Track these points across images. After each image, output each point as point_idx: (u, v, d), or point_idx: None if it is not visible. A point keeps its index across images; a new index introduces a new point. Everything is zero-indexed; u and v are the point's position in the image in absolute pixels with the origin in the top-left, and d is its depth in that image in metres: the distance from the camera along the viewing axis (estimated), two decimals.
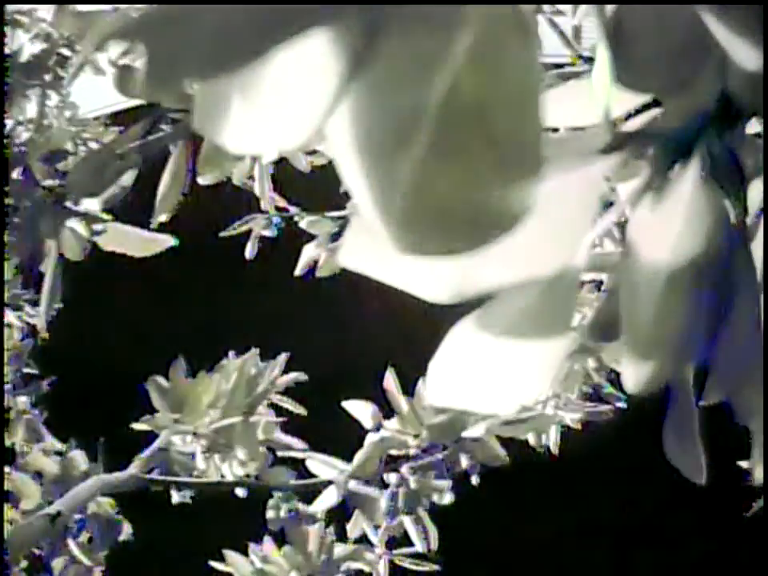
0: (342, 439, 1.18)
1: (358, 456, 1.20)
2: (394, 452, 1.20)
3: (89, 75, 1.23)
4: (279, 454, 1.27)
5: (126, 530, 1.29)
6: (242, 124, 0.24)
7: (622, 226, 0.31)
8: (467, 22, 0.23)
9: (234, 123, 0.24)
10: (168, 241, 0.99)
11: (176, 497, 1.26)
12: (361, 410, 1.22)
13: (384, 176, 0.24)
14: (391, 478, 1.20)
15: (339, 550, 1.24)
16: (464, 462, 1.19)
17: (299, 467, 1.25)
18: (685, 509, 2.68)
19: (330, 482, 1.20)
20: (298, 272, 1.39)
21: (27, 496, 1.24)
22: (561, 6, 1.17)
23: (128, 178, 0.94)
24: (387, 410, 1.21)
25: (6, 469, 1.27)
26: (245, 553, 1.25)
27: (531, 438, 1.26)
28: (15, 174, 0.96)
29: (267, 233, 1.44)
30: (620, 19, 0.29)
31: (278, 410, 1.29)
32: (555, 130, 0.33)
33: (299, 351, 1.32)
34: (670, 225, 0.30)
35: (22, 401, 1.53)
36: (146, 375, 1.25)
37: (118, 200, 0.95)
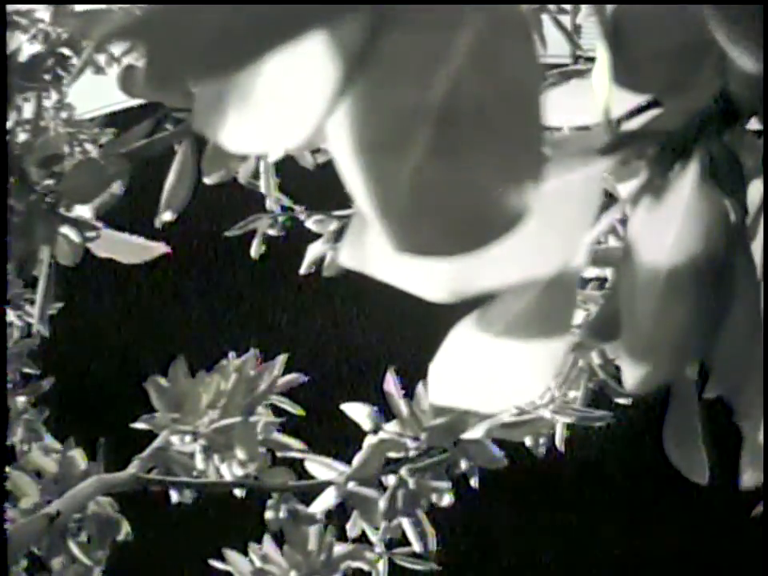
0: (342, 441, 1.18)
1: (358, 458, 1.20)
2: (393, 454, 1.20)
3: (84, 77, 1.23)
4: (278, 454, 1.27)
5: (126, 530, 1.29)
6: (242, 123, 0.24)
7: (625, 223, 0.31)
8: (467, 22, 0.23)
9: (234, 123, 0.24)
10: (160, 248, 0.99)
11: (175, 497, 1.26)
12: (360, 411, 1.22)
13: (384, 176, 0.24)
14: (390, 479, 1.20)
15: (338, 549, 1.24)
16: (463, 464, 1.19)
17: (298, 468, 1.25)
18: (686, 509, 2.68)
19: (329, 483, 1.20)
20: (303, 271, 1.39)
21: (26, 495, 1.24)
22: (562, 6, 1.17)
23: (120, 185, 0.94)
24: (387, 412, 1.21)
25: (6, 468, 1.27)
26: (244, 552, 1.25)
27: (529, 441, 1.26)
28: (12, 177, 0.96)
29: (272, 232, 1.44)
30: (620, 19, 0.29)
31: (278, 410, 1.29)
32: (556, 129, 0.33)
33: (299, 352, 1.32)
34: (669, 225, 0.30)
35: (22, 401, 1.54)
36: (145, 375, 1.25)
37: (110, 205, 0.95)
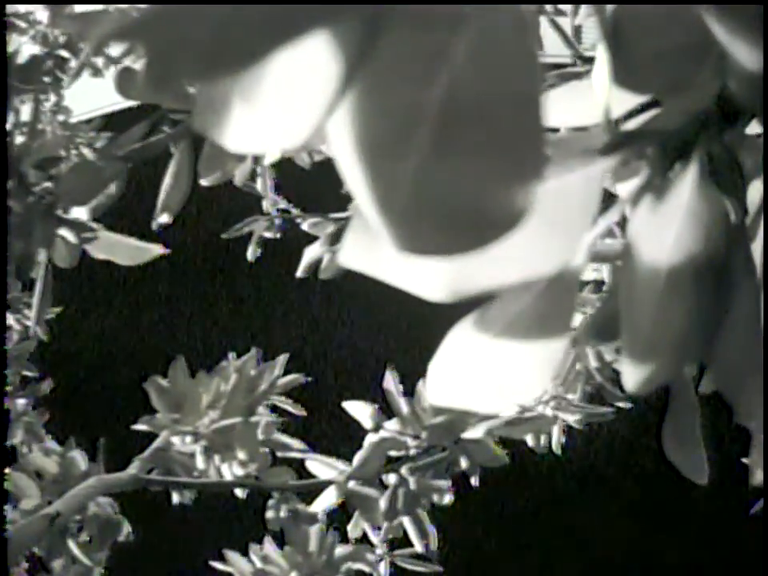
0: (342, 440, 1.18)
1: (358, 457, 1.20)
2: (393, 453, 1.20)
3: (82, 78, 1.23)
4: (279, 454, 1.27)
5: (126, 531, 1.29)
6: (242, 123, 0.24)
7: (622, 224, 0.31)
8: (467, 22, 0.23)
9: (234, 123, 0.24)
10: (157, 250, 0.99)
11: (176, 497, 1.26)
12: (360, 410, 1.22)
13: (384, 175, 0.24)
14: (391, 478, 1.20)
15: (339, 550, 1.24)
16: (464, 463, 1.19)
17: (299, 468, 1.25)
18: (685, 509, 2.68)
19: (329, 483, 1.20)
20: (299, 273, 1.39)
21: (27, 496, 1.24)
22: (561, 6, 1.17)
23: (116, 187, 0.94)
24: (387, 410, 1.21)
25: (6, 469, 1.27)
26: (245, 553, 1.25)
27: (530, 440, 1.26)
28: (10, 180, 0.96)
29: (269, 234, 1.44)
30: (620, 19, 0.29)
31: (278, 410, 1.29)
32: (555, 130, 0.33)
33: (299, 352, 1.32)
34: (670, 225, 0.30)
35: (22, 403, 1.54)
36: (146, 375, 1.25)
37: (106, 207, 0.95)
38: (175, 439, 1.24)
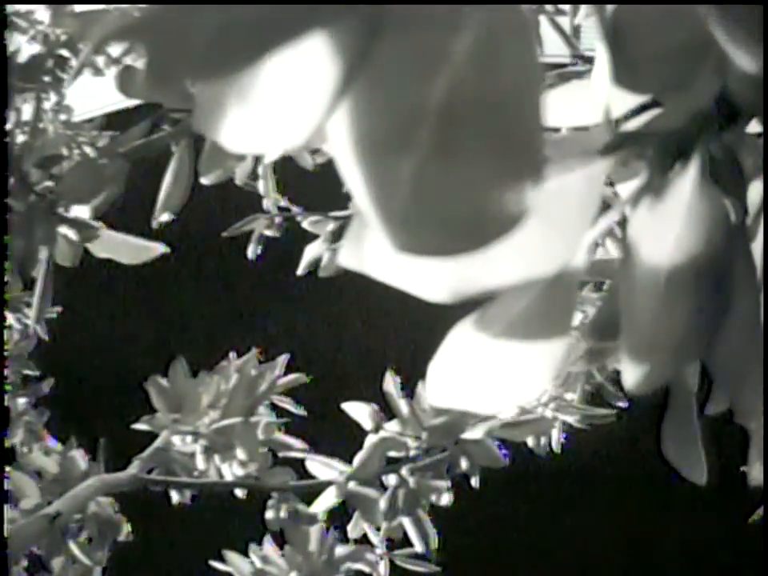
0: (342, 440, 1.18)
1: (358, 457, 1.20)
2: (393, 453, 1.20)
3: (82, 77, 1.23)
4: (279, 454, 1.27)
5: (126, 530, 1.29)
6: (242, 123, 0.24)
7: (623, 225, 0.31)
8: (467, 22, 0.23)
9: (234, 122, 0.24)
10: (159, 248, 0.99)
11: (176, 497, 1.26)
12: (361, 411, 1.22)
13: (384, 176, 0.24)
14: (391, 479, 1.20)
15: (339, 550, 1.24)
16: (463, 463, 1.19)
17: (299, 468, 1.25)
18: (685, 509, 2.68)
19: (329, 483, 1.20)
20: (300, 272, 1.39)
21: (27, 496, 1.24)
22: (561, 6, 1.17)
23: (117, 185, 0.94)
24: (387, 411, 1.21)
25: (6, 468, 1.27)
26: (245, 553, 1.25)
27: (530, 441, 1.26)
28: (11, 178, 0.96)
29: (270, 233, 1.44)
30: (620, 19, 0.29)
31: (279, 410, 1.29)
32: (555, 129, 0.33)
33: (299, 352, 1.32)
34: (670, 225, 0.30)
35: (22, 402, 1.54)
36: (146, 375, 1.25)
37: (108, 206, 0.95)
38: (175, 439, 1.24)
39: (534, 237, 0.28)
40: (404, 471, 1.20)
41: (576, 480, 2.80)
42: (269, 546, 1.25)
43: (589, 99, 0.31)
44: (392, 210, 0.24)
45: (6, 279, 1.02)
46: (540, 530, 2.93)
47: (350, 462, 1.21)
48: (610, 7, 0.29)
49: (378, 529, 1.21)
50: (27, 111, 1.23)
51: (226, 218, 1.43)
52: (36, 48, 1.26)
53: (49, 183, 0.96)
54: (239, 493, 1.27)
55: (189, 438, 1.24)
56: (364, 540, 1.24)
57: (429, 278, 0.29)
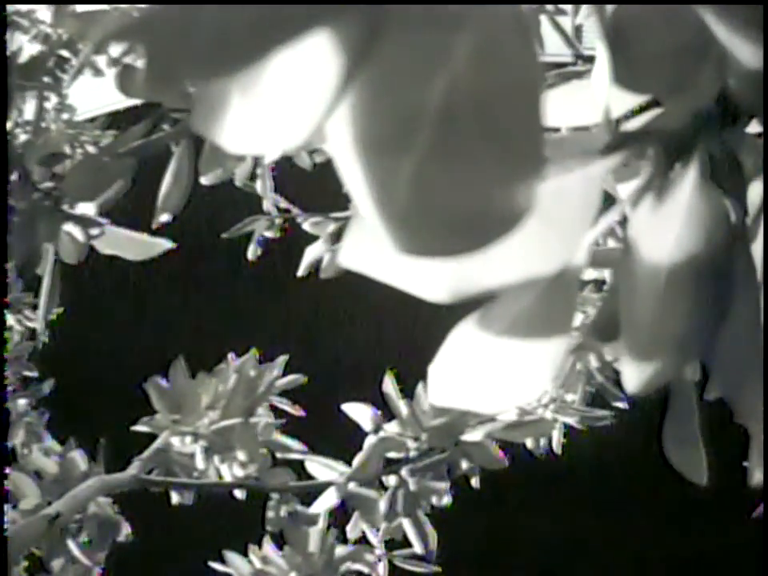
0: (342, 441, 1.18)
1: (358, 458, 1.20)
2: (393, 454, 1.20)
3: (85, 76, 1.23)
4: (278, 455, 1.27)
5: (126, 531, 1.29)
6: (241, 124, 0.24)
7: (624, 224, 0.31)
8: (467, 22, 0.23)
9: (233, 123, 0.24)
10: (164, 244, 0.99)
11: (176, 498, 1.26)
12: (360, 412, 1.22)
13: (384, 176, 0.24)
14: (390, 480, 1.20)
15: (339, 551, 1.24)
16: (463, 464, 1.19)
17: (298, 469, 1.25)
18: (685, 509, 2.68)
19: (329, 484, 1.20)
20: (300, 273, 1.39)
21: (27, 496, 1.24)
22: (562, 6, 1.17)
23: (123, 182, 0.94)
24: (387, 412, 1.21)
25: (6, 469, 1.27)
26: (245, 554, 1.25)
27: (529, 442, 1.26)
28: (13, 177, 0.96)
29: (269, 234, 1.44)
30: (620, 19, 0.29)
31: (278, 411, 1.29)
32: (556, 129, 0.33)
33: (299, 352, 1.32)
34: (670, 225, 0.30)
35: (23, 403, 1.54)
36: (146, 376, 1.25)
37: (113, 203, 0.95)
38: (175, 440, 1.24)
39: (534, 237, 0.28)
40: (404, 472, 1.19)
41: (576, 480, 2.80)
42: (268, 547, 1.25)
43: (589, 99, 0.31)
44: (392, 210, 0.24)
45: (6, 280, 1.02)
46: (539, 530, 2.94)
47: (349, 462, 1.21)
48: (610, 7, 0.29)
49: (378, 529, 1.21)
50: (30, 110, 1.24)
51: (227, 219, 1.43)
52: (37, 47, 1.26)
53: (51, 182, 0.97)
54: (239, 493, 1.27)
55: (188, 439, 1.24)
56: (363, 540, 1.24)
57: (429, 278, 0.29)
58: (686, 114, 0.30)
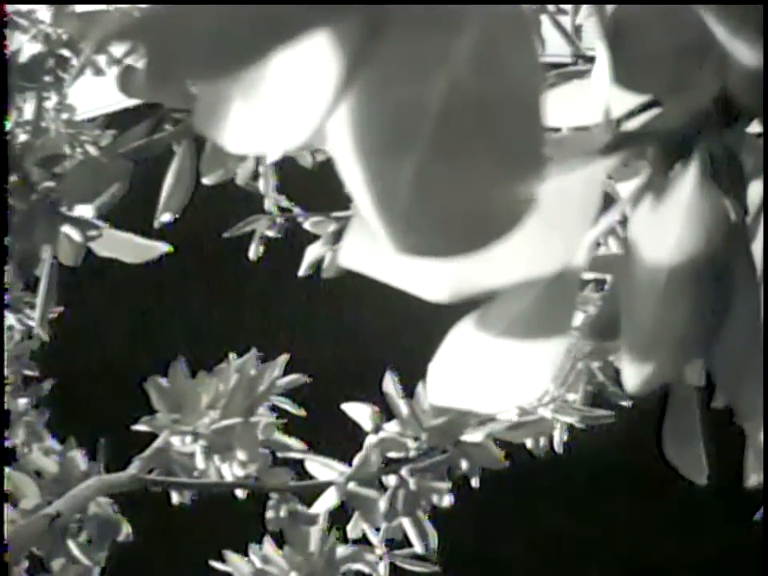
0: (342, 441, 1.18)
1: (358, 458, 1.20)
2: (393, 454, 1.20)
3: (85, 76, 1.23)
4: (279, 455, 1.27)
5: (126, 531, 1.29)
6: (242, 124, 0.24)
7: (624, 224, 0.31)
8: (467, 22, 0.23)
9: (234, 123, 0.24)
10: (162, 248, 0.99)
11: (176, 497, 1.26)
12: (360, 411, 1.22)
13: (384, 176, 0.24)
14: (390, 480, 1.20)
15: (339, 551, 1.24)
16: (464, 464, 1.19)
17: (299, 468, 1.25)
18: (685, 509, 2.68)
19: (329, 484, 1.20)
20: (301, 273, 1.39)
21: (27, 496, 1.24)
22: (562, 5, 1.17)
23: (121, 185, 0.94)
24: (387, 412, 1.21)
25: (6, 469, 1.27)
26: (245, 553, 1.25)
27: (529, 443, 1.26)
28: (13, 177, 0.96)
29: (271, 233, 1.44)
30: (620, 19, 0.29)
31: (278, 411, 1.29)
32: (556, 129, 0.33)
33: (299, 353, 1.32)
34: (669, 225, 0.30)
35: (23, 402, 1.54)
36: (146, 375, 1.25)
37: (111, 205, 0.95)
38: (175, 439, 1.24)
39: (534, 237, 0.28)
40: (404, 472, 1.19)
41: (575, 481, 2.80)
42: (269, 546, 1.25)
43: (589, 99, 0.31)
44: (392, 210, 0.24)
45: (5, 279, 1.02)
46: (539, 531, 2.93)
47: (349, 462, 1.21)
48: (610, 7, 0.29)
49: (378, 529, 1.21)
50: (29, 110, 1.23)
51: (228, 219, 1.43)
52: (37, 47, 1.26)
53: (50, 183, 0.97)
54: (239, 493, 1.26)
55: (188, 439, 1.24)
56: (363, 540, 1.24)
57: (429, 278, 0.29)
58: (685, 113, 0.30)
